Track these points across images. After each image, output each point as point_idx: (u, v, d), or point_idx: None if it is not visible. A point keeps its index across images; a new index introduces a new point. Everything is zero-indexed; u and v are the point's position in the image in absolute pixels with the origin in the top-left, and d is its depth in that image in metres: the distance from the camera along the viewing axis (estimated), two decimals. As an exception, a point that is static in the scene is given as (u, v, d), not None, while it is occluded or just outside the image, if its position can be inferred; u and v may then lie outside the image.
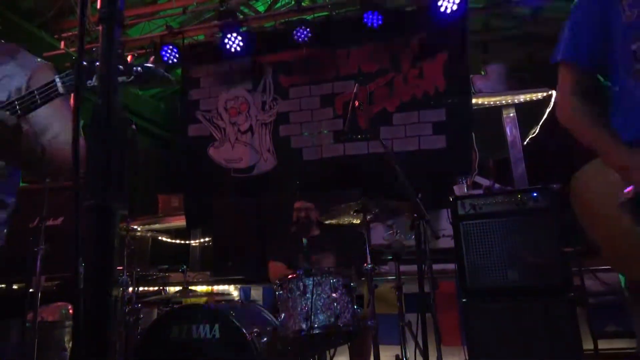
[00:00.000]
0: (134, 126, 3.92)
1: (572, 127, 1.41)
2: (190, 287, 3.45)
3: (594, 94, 1.45)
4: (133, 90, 7.16)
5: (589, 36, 1.42)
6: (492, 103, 5.18)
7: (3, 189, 1.49)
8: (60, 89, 1.26)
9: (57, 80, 1.27)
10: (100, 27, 0.57)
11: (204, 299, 3.94)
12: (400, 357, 3.00)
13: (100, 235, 0.51)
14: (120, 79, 1.17)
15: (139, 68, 1.16)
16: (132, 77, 1.17)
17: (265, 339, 2.61)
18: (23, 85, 1.46)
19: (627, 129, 1.32)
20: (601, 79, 1.46)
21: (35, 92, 1.26)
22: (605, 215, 1.34)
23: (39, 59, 1.56)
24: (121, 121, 0.55)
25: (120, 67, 1.15)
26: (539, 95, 5.02)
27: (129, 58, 1.23)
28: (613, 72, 1.39)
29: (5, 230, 1.50)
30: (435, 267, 3.37)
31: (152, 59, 1.18)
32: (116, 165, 0.53)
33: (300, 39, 4.94)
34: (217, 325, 2.58)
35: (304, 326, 2.45)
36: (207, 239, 5.86)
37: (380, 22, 4.75)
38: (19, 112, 1.25)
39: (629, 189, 1.27)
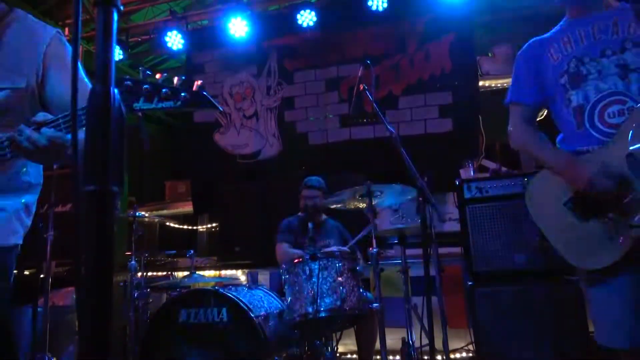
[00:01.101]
0: (139, 113, 3.93)
1: (522, 149, 1.84)
2: (198, 272, 3.49)
3: (536, 123, 1.88)
4: (135, 76, 7.14)
5: (528, 81, 1.81)
6: (499, 85, 5.12)
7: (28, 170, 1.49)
8: None
9: None
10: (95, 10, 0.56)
11: (212, 283, 3.98)
12: (407, 339, 3.03)
13: (99, 220, 0.52)
14: (167, 104, 1.15)
15: (186, 94, 1.13)
16: (179, 102, 1.15)
17: (272, 323, 2.65)
18: (40, 66, 1.41)
19: (568, 145, 1.68)
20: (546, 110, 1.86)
21: (80, 112, 1.21)
22: (553, 214, 1.67)
23: (51, 28, 1.49)
24: (120, 106, 0.54)
25: (168, 91, 1.13)
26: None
27: (157, 76, 1.20)
28: (552, 104, 1.76)
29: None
30: (442, 250, 3.38)
31: (176, 79, 1.14)
32: (114, 151, 0.53)
33: (304, 23, 4.88)
34: (224, 309, 2.61)
35: (310, 309, 2.48)
36: (214, 225, 5.90)
37: (385, 4, 4.68)
38: (63, 131, 1.21)
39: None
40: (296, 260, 2.68)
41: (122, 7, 0.62)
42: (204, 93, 1.16)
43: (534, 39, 1.86)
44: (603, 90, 1.57)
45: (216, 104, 1.18)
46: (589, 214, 1.56)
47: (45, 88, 1.43)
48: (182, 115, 6.02)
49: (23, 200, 1.47)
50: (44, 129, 1.17)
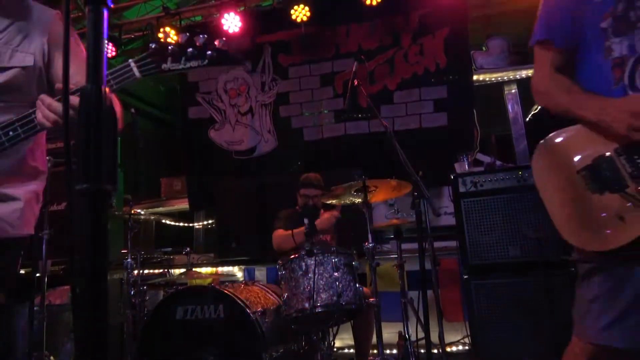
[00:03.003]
0: (133, 110, 3.91)
1: (548, 101, 1.53)
2: (194, 269, 3.49)
3: (567, 71, 1.52)
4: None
5: (561, 18, 1.50)
6: (493, 79, 5.12)
7: (35, 157, 1.50)
8: (137, 74, 1.23)
9: (132, 64, 1.23)
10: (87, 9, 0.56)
11: (209, 280, 3.99)
12: (403, 333, 3.05)
13: (93, 218, 0.52)
14: (195, 62, 1.16)
15: (212, 52, 1.14)
16: (206, 60, 1.16)
17: (268, 318, 2.65)
18: (45, 44, 1.43)
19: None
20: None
21: (110, 77, 1.23)
22: (562, 183, 1.42)
23: (51, 10, 1.50)
24: (111, 104, 0.54)
25: (194, 51, 1.14)
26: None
27: (197, 41, 1.20)
28: (585, 51, 1.46)
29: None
30: (437, 244, 3.40)
31: (200, 38, 1.15)
32: (107, 149, 0.53)
33: (298, 18, 4.86)
34: (221, 306, 2.61)
35: (306, 305, 2.49)
36: (210, 221, 5.90)
37: (379, -2, 4.67)
38: (114, 86, 1.22)
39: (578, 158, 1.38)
40: (292, 256, 2.68)
41: (113, 4, 0.62)
42: (230, 52, 1.17)
43: None
44: None
45: (242, 59, 1.20)
46: (606, 185, 1.34)
47: (51, 70, 1.44)
48: (176, 111, 6.00)
49: (33, 189, 1.48)
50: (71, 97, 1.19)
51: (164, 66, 1.17)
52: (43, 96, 1.22)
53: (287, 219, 3.38)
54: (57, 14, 1.49)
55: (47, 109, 1.18)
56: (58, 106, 1.18)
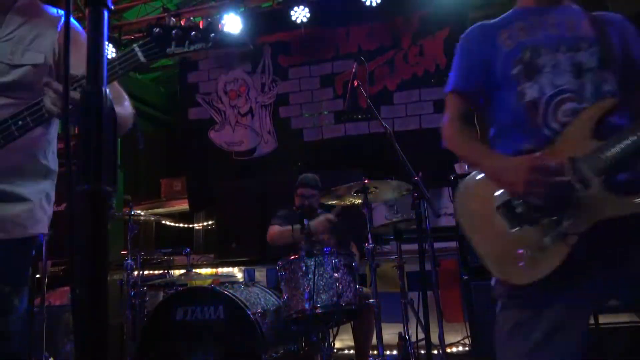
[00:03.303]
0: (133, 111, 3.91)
1: (452, 146, 1.61)
2: (194, 270, 3.49)
3: (474, 119, 1.65)
4: (132, 75, 7.11)
5: (473, 66, 1.62)
6: (493, 79, 5.13)
7: (45, 154, 1.50)
8: (142, 58, 1.23)
9: (137, 49, 1.23)
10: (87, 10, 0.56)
11: (209, 281, 3.98)
12: (403, 334, 3.05)
13: (93, 219, 0.52)
14: (199, 45, 1.16)
15: (216, 34, 1.15)
16: (210, 43, 1.16)
17: (269, 319, 2.65)
18: (55, 43, 1.45)
19: (510, 142, 1.50)
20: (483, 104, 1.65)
21: (116, 62, 1.23)
22: (483, 219, 1.49)
23: (58, 9, 1.53)
24: (111, 105, 0.54)
25: (198, 33, 1.15)
26: None
27: (200, 24, 1.21)
28: (499, 96, 1.56)
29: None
30: (437, 245, 3.40)
31: (203, 22, 1.17)
32: (107, 150, 0.54)
33: (298, 19, 4.87)
34: (221, 307, 2.61)
35: (307, 306, 2.49)
36: (210, 222, 5.90)
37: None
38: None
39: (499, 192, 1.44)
40: (292, 257, 2.68)
41: (113, 6, 0.62)
42: (233, 34, 1.18)
43: (481, 22, 1.67)
44: (558, 86, 1.44)
45: (244, 40, 1.21)
46: (522, 219, 1.40)
47: (61, 67, 1.45)
48: (176, 112, 6.01)
49: (43, 188, 1.48)
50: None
51: (168, 50, 1.18)
52: (50, 81, 1.21)
53: (284, 217, 3.38)
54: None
55: (55, 94, 1.18)
56: (71, 93, 1.18)
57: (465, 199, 1.59)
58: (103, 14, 0.56)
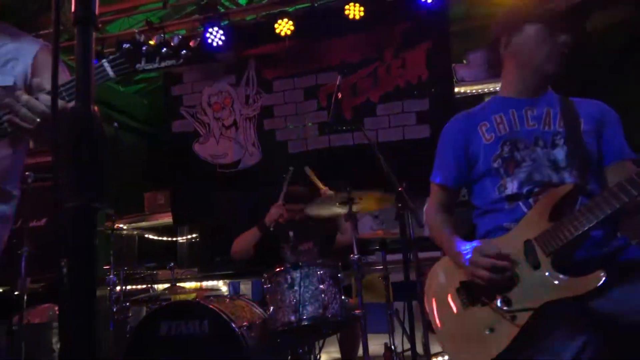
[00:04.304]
0: (116, 124, 3.88)
1: (431, 234, 1.78)
2: (178, 284, 3.45)
3: (453, 205, 1.81)
4: (115, 87, 7.05)
5: (454, 161, 1.72)
6: (474, 91, 5.23)
7: (10, 179, 1.47)
8: (111, 73, 1.23)
9: (105, 64, 1.23)
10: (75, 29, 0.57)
11: (193, 295, 3.94)
12: (389, 344, 3.05)
13: (82, 236, 0.52)
14: (169, 62, 1.17)
15: (188, 51, 1.16)
16: (181, 60, 1.17)
17: (254, 333, 2.63)
18: (28, 69, 1.44)
19: (492, 222, 1.60)
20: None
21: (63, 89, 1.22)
22: (441, 301, 1.60)
23: (39, 40, 1.53)
24: (100, 123, 0.55)
25: (169, 50, 1.16)
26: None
27: (152, 42, 1.22)
28: (482, 185, 1.65)
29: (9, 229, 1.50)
30: (422, 254, 3.42)
31: (175, 40, 1.18)
32: (96, 167, 0.54)
33: (282, 32, 4.91)
34: (206, 321, 2.58)
35: (292, 318, 2.48)
36: (194, 235, 5.85)
37: (362, 12, 4.74)
38: (66, 99, 1.21)
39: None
40: (277, 269, 2.67)
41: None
42: (206, 51, 1.20)
43: (462, 113, 1.79)
44: (538, 181, 1.52)
45: (216, 57, 1.23)
46: (474, 300, 1.48)
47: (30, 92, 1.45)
48: (160, 125, 5.97)
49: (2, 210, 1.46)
50: (41, 96, 1.18)
51: (138, 66, 1.19)
52: (18, 93, 1.19)
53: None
54: (47, 46, 1.52)
55: (24, 108, 1.16)
56: (36, 104, 1.17)
57: (433, 277, 1.71)
58: (91, 33, 0.57)
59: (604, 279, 1.25)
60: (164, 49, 1.18)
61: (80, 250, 0.52)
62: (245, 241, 3.25)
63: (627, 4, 4.25)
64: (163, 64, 1.20)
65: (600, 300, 1.29)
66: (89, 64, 0.58)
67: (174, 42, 1.21)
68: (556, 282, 1.33)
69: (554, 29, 1.53)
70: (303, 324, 2.47)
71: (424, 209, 1.87)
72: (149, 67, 1.20)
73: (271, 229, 3.20)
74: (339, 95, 3.00)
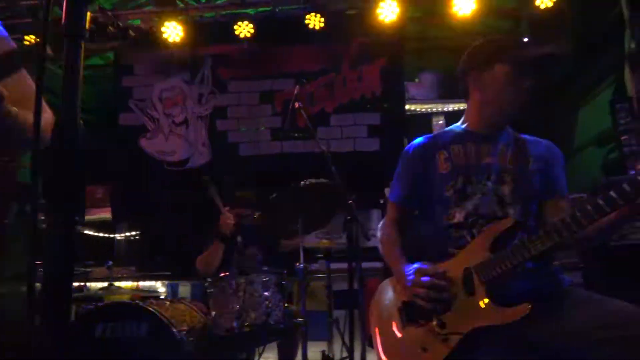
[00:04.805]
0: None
1: (382, 250, 1.85)
2: (115, 283, 3.32)
3: (405, 223, 1.88)
4: (54, 70, 6.67)
5: (411, 185, 1.82)
6: (424, 110, 5.44)
7: None
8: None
9: None
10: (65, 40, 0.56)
11: (129, 295, 3.80)
12: (326, 352, 3.10)
13: (62, 248, 0.51)
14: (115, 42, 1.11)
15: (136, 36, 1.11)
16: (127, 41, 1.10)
17: (194, 337, 2.59)
18: None
19: (438, 249, 1.67)
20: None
21: None
22: (384, 318, 1.69)
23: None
24: (83, 137, 0.54)
25: (117, 32, 1.10)
26: (466, 106, 5.34)
27: None
28: (432, 211, 1.73)
29: None
30: (364, 264, 3.50)
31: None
32: (76, 181, 0.53)
33: (242, 34, 4.88)
34: (144, 323, 2.51)
35: (235, 324, 2.46)
36: (134, 233, 5.64)
37: (322, 24, 4.81)
38: None
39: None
40: (222, 274, 2.65)
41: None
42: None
43: (425, 137, 1.87)
44: (483, 214, 1.61)
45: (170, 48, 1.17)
46: (411, 319, 1.57)
47: None
48: (104, 115, 5.72)
49: None
50: None
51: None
52: None
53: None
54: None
55: None
56: None
57: (381, 293, 1.80)
58: (80, 47, 0.56)
59: (529, 310, 1.35)
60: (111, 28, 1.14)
61: (59, 262, 0.51)
62: (213, 258, 3.15)
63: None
64: (109, 45, 1.16)
65: (532, 330, 1.40)
66: (76, 78, 0.57)
67: (122, 24, 1.17)
68: (486, 309, 1.43)
69: (522, 73, 1.63)
70: (245, 330, 2.46)
71: (379, 225, 1.91)
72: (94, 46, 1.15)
73: (229, 236, 3.15)
74: (297, 105, 3.04)
